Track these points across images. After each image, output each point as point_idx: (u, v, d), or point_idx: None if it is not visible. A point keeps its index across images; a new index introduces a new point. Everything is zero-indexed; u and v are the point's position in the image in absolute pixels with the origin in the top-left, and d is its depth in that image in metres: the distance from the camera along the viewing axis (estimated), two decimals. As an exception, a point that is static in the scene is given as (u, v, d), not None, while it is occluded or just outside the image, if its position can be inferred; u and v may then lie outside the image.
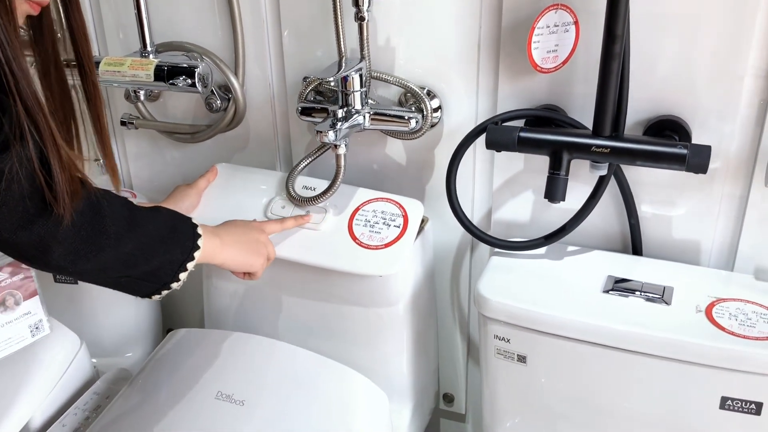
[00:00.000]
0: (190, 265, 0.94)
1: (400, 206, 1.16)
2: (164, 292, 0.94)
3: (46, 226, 0.79)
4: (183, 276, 0.94)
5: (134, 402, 1.10)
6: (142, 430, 1.05)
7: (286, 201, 1.19)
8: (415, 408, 1.26)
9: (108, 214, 0.85)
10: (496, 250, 1.16)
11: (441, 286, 1.35)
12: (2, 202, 0.75)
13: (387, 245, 1.11)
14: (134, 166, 1.51)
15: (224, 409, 1.05)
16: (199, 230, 0.96)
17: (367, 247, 1.11)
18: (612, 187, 1.12)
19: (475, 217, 1.26)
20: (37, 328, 0.99)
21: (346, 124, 1.10)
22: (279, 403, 1.06)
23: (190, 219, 0.97)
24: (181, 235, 0.94)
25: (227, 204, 1.22)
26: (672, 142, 0.99)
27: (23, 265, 0.97)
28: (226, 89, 1.30)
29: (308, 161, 1.23)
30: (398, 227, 1.13)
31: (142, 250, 0.88)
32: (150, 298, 0.94)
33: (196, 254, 0.94)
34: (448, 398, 1.44)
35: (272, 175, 1.25)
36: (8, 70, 0.72)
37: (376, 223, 1.15)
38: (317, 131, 1.08)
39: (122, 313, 1.42)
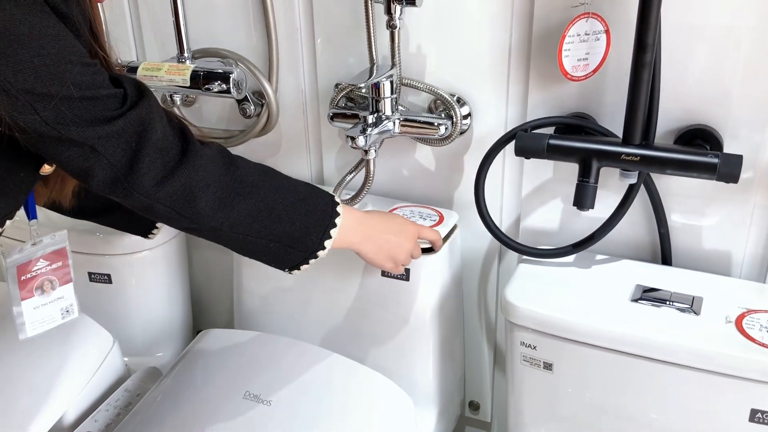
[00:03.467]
0: (333, 232, 0.94)
1: (436, 210, 1.23)
2: (312, 262, 0.95)
3: (187, 171, 0.83)
4: (328, 244, 0.94)
5: (164, 400, 1.12)
6: (171, 428, 1.06)
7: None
8: (440, 414, 1.26)
9: (240, 163, 0.90)
10: (524, 257, 1.16)
11: (468, 293, 1.35)
12: (144, 153, 0.80)
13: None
14: (169, 170, 1.54)
15: (252, 408, 1.07)
16: (339, 208, 0.96)
17: None
18: (641, 196, 1.11)
19: (503, 224, 1.26)
20: (67, 311, 1.03)
21: (376, 130, 1.12)
22: (305, 404, 1.07)
23: (327, 192, 0.98)
24: (319, 200, 0.95)
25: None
26: (703, 151, 0.98)
27: (62, 254, 1.01)
28: (259, 95, 1.33)
29: (352, 175, 1.24)
30: (433, 222, 1.20)
31: (284, 205, 0.90)
32: (298, 270, 0.96)
33: (337, 221, 0.94)
34: (474, 406, 1.44)
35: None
36: None
37: (412, 217, 1.21)
38: (348, 136, 1.10)
39: (154, 313, 1.45)
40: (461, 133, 1.20)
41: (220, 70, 1.21)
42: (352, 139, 1.09)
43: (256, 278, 1.32)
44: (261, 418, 1.05)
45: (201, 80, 1.21)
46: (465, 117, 1.18)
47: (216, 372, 1.15)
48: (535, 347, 1.04)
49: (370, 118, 1.12)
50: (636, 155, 1.00)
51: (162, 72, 1.24)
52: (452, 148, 1.23)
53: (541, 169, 1.18)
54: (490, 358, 1.39)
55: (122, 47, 1.43)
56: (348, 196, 1.24)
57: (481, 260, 1.32)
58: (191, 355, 1.21)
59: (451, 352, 1.29)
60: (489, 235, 1.25)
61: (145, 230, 1.18)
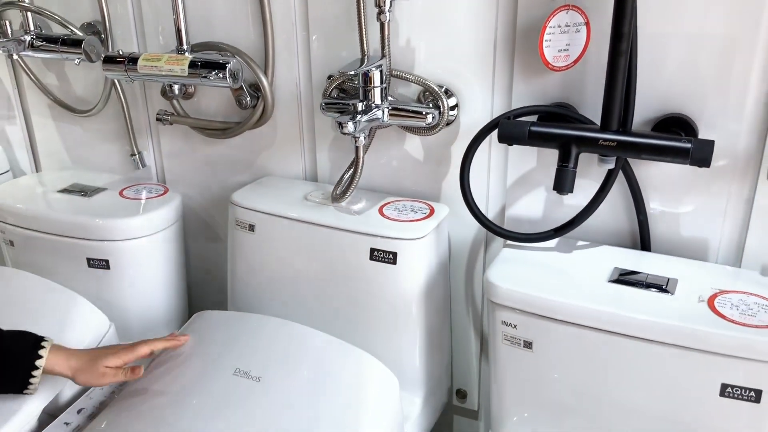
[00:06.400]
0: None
1: (427, 204, 1.30)
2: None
3: None
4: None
5: (156, 376, 1.15)
6: (163, 402, 1.10)
7: (324, 190, 1.35)
8: (426, 398, 1.29)
9: None
10: (508, 242, 1.20)
11: (456, 284, 1.39)
12: None
13: (412, 221, 1.24)
14: (168, 162, 1.59)
15: (241, 384, 1.10)
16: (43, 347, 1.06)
17: (396, 219, 1.24)
18: (622, 186, 1.15)
19: (489, 213, 1.30)
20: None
21: (366, 117, 1.16)
22: (293, 380, 1.11)
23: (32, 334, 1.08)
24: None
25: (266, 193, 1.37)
26: (676, 137, 1.02)
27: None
28: (255, 87, 1.38)
29: (350, 172, 1.30)
30: (424, 213, 1.26)
31: None
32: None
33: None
34: (462, 394, 1.47)
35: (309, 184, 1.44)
36: None
37: (404, 210, 1.27)
38: (338, 122, 1.14)
39: (151, 299, 1.48)
40: (448, 124, 1.24)
41: (217, 60, 1.26)
42: (342, 125, 1.13)
43: (250, 268, 1.36)
44: (250, 393, 1.08)
45: (199, 69, 1.25)
46: (452, 108, 1.23)
47: (208, 350, 1.18)
48: (515, 326, 1.07)
49: (360, 106, 1.17)
50: (613, 140, 1.04)
51: (162, 62, 1.28)
52: (440, 138, 1.27)
53: (525, 159, 1.22)
54: (477, 348, 1.42)
55: (125, 40, 1.48)
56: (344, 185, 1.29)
57: (467, 251, 1.36)
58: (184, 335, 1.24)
59: (439, 338, 1.33)
60: (476, 225, 1.30)
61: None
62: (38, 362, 1.05)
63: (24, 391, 1.08)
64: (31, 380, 1.06)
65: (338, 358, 1.15)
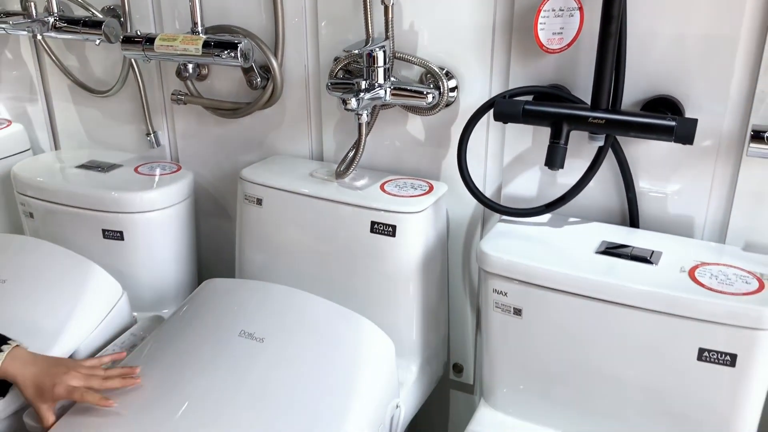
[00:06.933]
0: None
1: (427, 182, 1.35)
2: None
3: None
4: None
5: (165, 337, 1.22)
6: (170, 361, 1.16)
7: (329, 168, 1.41)
8: (422, 366, 1.35)
9: None
10: (503, 217, 1.26)
11: (454, 262, 1.44)
12: None
13: (411, 196, 1.29)
14: (181, 142, 1.66)
15: (245, 344, 1.16)
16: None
17: (396, 195, 1.30)
18: (612, 165, 1.20)
19: (487, 192, 1.35)
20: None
21: (368, 95, 1.22)
22: (295, 341, 1.17)
23: None
24: None
25: (274, 170, 1.43)
26: (662, 116, 1.08)
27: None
28: (266, 69, 1.44)
29: (354, 149, 1.35)
30: (423, 190, 1.32)
31: None
32: None
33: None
34: (458, 368, 1.52)
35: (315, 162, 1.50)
36: None
37: (404, 187, 1.33)
38: (342, 99, 1.20)
39: (162, 270, 1.55)
40: (447, 105, 1.30)
41: (230, 40, 1.33)
42: (345, 101, 1.19)
43: (257, 240, 1.42)
44: (253, 352, 1.14)
45: (212, 48, 1.32)
46: (452, 89, 1.29)
47: (215, 313, 1.24)
48: (506, 294, 1.13)
49: (363, 84, 1.23)
50: (602, 118, 1.10)
51: (177, 42, 1.35)
52: (441, 119, 1.33)
53: (521, 140, 1.27)
54: (473, 323, 1.47)
55: (143, 23, 1.55)
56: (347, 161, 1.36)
57: (465, 229, 1.41)
58: (193, 300, 1.31)
59: (436, 311, 1.38)
60: (474, 204, 1.36)
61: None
62: None
63: None
64: None
65: (338, 321, 1.21)
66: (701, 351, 1.01)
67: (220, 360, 1.14)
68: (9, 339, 1.09)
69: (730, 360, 1.00)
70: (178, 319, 1.27)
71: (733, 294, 1.00)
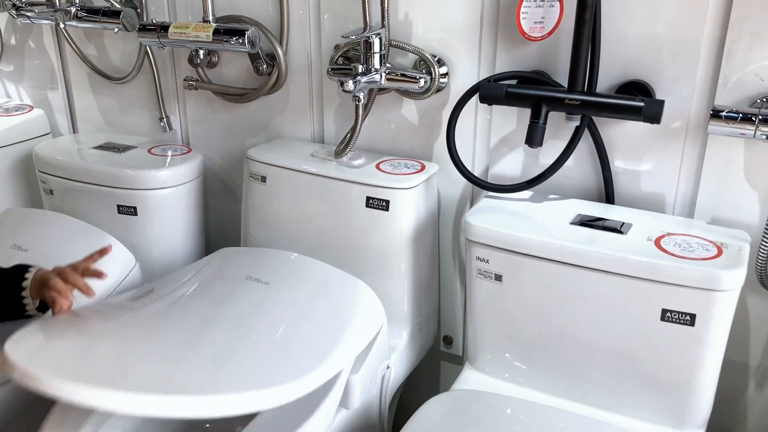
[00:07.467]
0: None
1: (419, 162, 1.45)
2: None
3: None
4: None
5: (175, 282, 1.32)
6: (180, 299, 1.26)
7: (329, 149, 1.51)
8: (413, 333, 1.45)
9: None
10: (488, 193, 1.35)
11: (444, 238, 1.54)
12: None
13: (404, 174, 1.39)
14: (192, 127, 1.77)
15: (251, 286, 1.27)
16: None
17: (390, 173, 1.40)
18: (589, 145, 1.30)
19: (475, 171, 1.45)
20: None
21: (365, 79, 1.32)
22: (297, 285, 1.28)
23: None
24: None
25: (277, 150, 1.51)
26: (632, 97, 1.17)
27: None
28: (271, 57, 1.55)
29: (351, 130, 1.45)
30: (416, 169, 1.41)
31: None
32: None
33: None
34: (448, 340, 1.61)
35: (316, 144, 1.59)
36: None
37: (398, 166, 1.43)
38: (340, 82, 1.30)
39: (173, 244, 1.66)
40: (438, 90, 1.40)
41: (238, 28, 1.43)
42: (343, 83, 1.29)
43: (261, 215, 1.52)
44: (257, 292, 1.25)
45: (222, 35, 1.42)
46: (443, 75, 1.39)
47: (225, 264, 1.36)
48: (487, 261, 1.23)
49: (360, 68, 1.33)
50: (577, 100, 1.19)
51: (189, 29, 1.46)
52: (432, 103, 1.43)
53: (506, 123, 1.37)
54: (462, 297, 1.57)
55: (158, 14, 1.66)
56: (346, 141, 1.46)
57: (455, 208, 1.51)
58: (206, 259, 1.42)
59: (427, 282, 1.48)
60: (463, 184, 1.46)
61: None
62: (24, 284, 1.12)
63: (25, 315, 1.14)
64: (24, 301, 1.12)
65: (337, 279, 1.32)
66: (664, 312, 1.10)
67: (227, 296, 1.24)
68: (30, 266, 1.16)
69: (690, 319, 1.09)
70: (189, 267, 1.38)
71: (693, 259, 1.09)
